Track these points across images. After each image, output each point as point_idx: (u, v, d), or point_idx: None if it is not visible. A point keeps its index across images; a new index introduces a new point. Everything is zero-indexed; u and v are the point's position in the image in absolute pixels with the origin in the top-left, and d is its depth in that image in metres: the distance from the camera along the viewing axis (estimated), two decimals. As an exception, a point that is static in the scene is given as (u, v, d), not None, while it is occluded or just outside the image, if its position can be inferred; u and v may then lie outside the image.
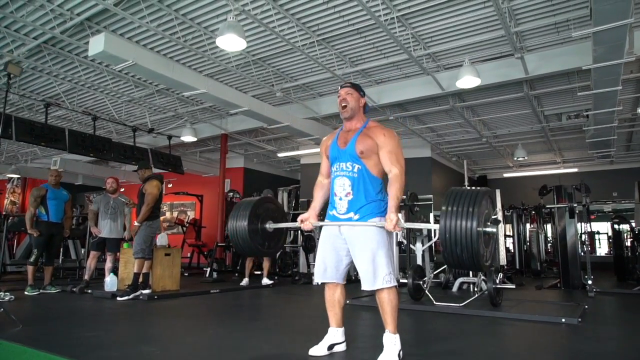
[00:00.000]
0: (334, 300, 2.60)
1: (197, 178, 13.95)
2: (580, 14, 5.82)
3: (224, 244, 8.86)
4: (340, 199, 2.51)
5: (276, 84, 8.10)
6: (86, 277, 5.93)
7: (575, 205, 6.33)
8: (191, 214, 14.14)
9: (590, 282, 5.95)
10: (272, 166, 15.09)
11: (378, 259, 2.41)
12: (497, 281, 4.39)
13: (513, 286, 4.41)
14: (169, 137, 10.46)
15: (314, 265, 8.83)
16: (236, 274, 8.71)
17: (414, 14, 5.95)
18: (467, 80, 6.51)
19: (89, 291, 5.63)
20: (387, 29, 5.79)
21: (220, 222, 10.09)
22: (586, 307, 4.45)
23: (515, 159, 11.89)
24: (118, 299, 5.06)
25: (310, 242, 8.75)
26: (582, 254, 6.74)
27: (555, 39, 6.60)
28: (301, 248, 8.82)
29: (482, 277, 5.62)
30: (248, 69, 7.54)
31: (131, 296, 5.08)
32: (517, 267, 9.48)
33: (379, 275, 2.40)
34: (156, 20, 5.91)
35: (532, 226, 10.25)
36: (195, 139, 9.87)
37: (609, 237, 13.64)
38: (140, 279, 5.26)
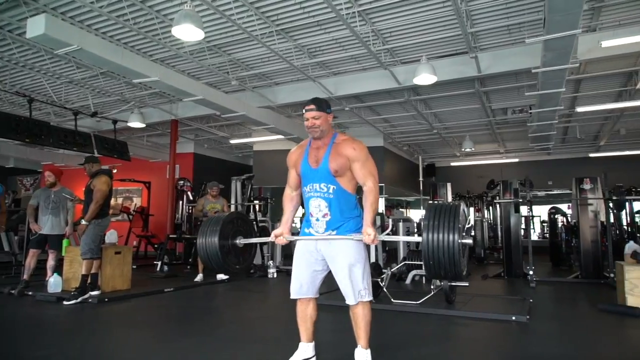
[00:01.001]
0: (306, 315, 2.59)
1: (144, 163, 13.35)
2: (532, 18, 6.06)
3: (175, 236, 8.58)
4: (318, 220, 2.48)
5: (232, 72, 7.83)
6: (25, 277, 5.53)
7: (520, 200, 6.70)
8: (137, 201, 13.56)
9: (531, 272, 6.34)
10: (223, 152, 14.73)
11: (355, 274, 2.43)
12: (452, 279, 4.57)
13: (467, 284, 4.61)
14: (114, 122, 9.84)
15: (268, 256, 8.79)
16: (188, 267, 8.50)
17: (374, 10, 5.93)
18: (424, 78, 6.62)
19: (30, 293, 5.27)
20: (347, 24, 5.73)
21: (170, 211, 9.77)
22: (531, 300, 4.76)
23: (463, 149, 12.36)
24: (65, 303, 4.75)
25: (264, 233, 8.67)
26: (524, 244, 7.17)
27: (506, 40, 6.86)
28: (256, 239, 8.72)
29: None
30: (202, 56, 7.22)
31: (79, 299, 4.79)
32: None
33: (357, 289, 2.43)
34: (102, 0, 5.48)
35: (477, 214, 10.76)
36: (143, 125, 9.40)
37: (542, 222, 14.66)
38: (89, 280, 4.99)
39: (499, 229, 12.08)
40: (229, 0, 5.53)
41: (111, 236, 5.73)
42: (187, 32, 4.92)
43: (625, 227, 9.46)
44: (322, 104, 2.50)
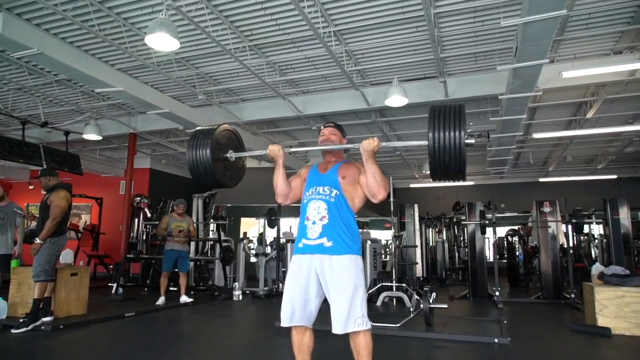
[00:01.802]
0: (302, 345, 2.41)
1: (96, 178, 12.61)
2: (498, 47, 6.34)
3: (132, 256, 8.07)
4: (314, 222, 2.38)
5: (199, 86, 7.60)
6: (-36, 301, 4.94)
7: (486, 222, 6.88)
8: (86, 218, 12.74)
9: (497, 293, 6.47)
10: (181, 168, 14.21)
11: (355, 300, 2.27)
12: (432, 300, 4.55)
13: (445, 306, 4.60)
14: (67, 133, 9.27)
15: (231, 277, 8.47)
16: (145, 289, 8.00)
17: (350, 30, 5.99)
18: (396, 99, 6.72)
19: (-31, 320, 4.70)
20: (324, 43, 5.72)
21: (125, 229, 9.21)
22: (505, 322, 4.82)
23: (423, 171, 12.65)
24: (13, 331, 4.25)
25: (228, 253, 8.36)
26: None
27: (472, 67, 7.12)
28: (218, 260, 8.38)
29: (409, 293, 5.82)
30: (170, 68, 6.95)
31: (30, 327, 4.32)
32: (424, 274, 10.05)
33: (353, 317, 2.25)
34: (67, 4, 5.15)
35: (438, 236, 10.96)
36: (99, 138, 8.88)
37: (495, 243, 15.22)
38: (41, 305, 4.52)
39: (458, 251, 12.48)
40: (203, 12, 5.39)
41: (67, 256, 5.27)
42: (161, 42, 4.70)
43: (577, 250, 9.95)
44: (340, 127, 2.68)
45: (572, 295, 6.22)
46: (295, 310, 2.35)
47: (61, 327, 4.46)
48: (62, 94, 8.13)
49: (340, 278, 2.29)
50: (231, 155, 2.71)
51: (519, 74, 5.42)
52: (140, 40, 5.98)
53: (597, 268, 4.76)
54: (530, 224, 12.73)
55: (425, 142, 2.25)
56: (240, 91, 8.26)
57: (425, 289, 4.77)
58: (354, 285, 2.28)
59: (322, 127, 2.64)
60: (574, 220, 6.62)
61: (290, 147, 2.61)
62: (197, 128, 2.73)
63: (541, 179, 14.53)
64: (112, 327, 4.82)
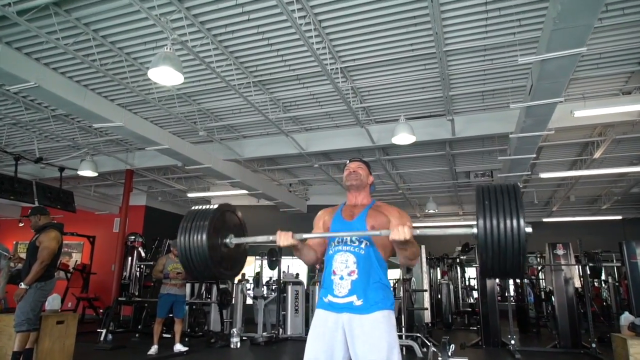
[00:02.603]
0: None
1: (89, 216, 12.24)
2: (506, 86, 6.26)
3: (124, 299, 7.62)
4: (342, 278, 2.09)
5: (200, 121, 7.43)
6: (-63, 352, 4.50)
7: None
8: (77, 257, 12.26)
9: (513, 342, 6.07)
10: (177, 206, 13.89)
11: None
12: (450, 353, 4.17)
13: (466, 359, 4.21)
14: (61, 169, 8.99)
15: (228, 322, 7.99)
16: (137, 334, 7.49)
17: (356, 67, 5.90)
18: (403, 137, 6.55)
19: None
20: (332, 79, 5.59)
21: (118, 270, 8.78)
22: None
23: (426, 210, 12.39)
24: (-12, 389, 3.84)
25: (226, 296, 7.93)
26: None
27: (479, 106, 7.02)
28: (214, 304, 7.94)
29: (419, 341, 5.43)
30: (171, 103, 6.80)
31: (7, 383, 3.90)
32: (431, 319, 9.58)
33: None
34: (68, 38, 5.01)
35: (443, 277, 10.56)
36: (95, 174, 8.60)
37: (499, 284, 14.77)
38: (21, 358, 4.09)
39: (463, 293, 12.05)
40: (208, 48, 5.27)
41: (54, 301, 4.87)
42: (165, 76, 4.53)
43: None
44: (367, 162, 2.44)
45: (594, 345, 5.83)
46: None
47: (42, 384, 4.03)
48: (58, 129, 7.92)
49: (372, 339, 1.99)
50: (231, 241, 2.25)
51: (532, 113, 5.27)
52: (142, 75, 5.84)
53: (626, 318, 4.43)
54: (535, 265, 12.43)
55: (470, 230, 1.86)
56: (241, 128, 8.10)
57: (443, 339, 4.40)
58: (388, 345, 1.98)
59: (347, 161, 2.41)
60: (590, 264, 6.31)
61: (303, 235, 2.10)
62: (193, 208, 2.29)
63: (545, 219, 14.29)
64: (99, 382, 4.38)
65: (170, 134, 7.39)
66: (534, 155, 6.96)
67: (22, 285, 4.11)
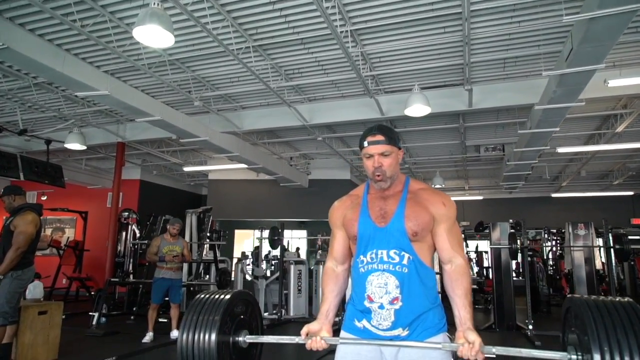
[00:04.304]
0: None
1: (81, 190, 11.75)
2: (532, 52, 5.68)
3: (117, 280, 7.21)
4: (382, 306, 1.59)
5: (195, 91, 6.83)
6: None
7: (518, 247, 6.13)
8: (70, 233, 11.84)
9: (531, 327, 5.72)
10: (173, 179, 13.39)
11: None
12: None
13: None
14: (48, 142, 8.43)
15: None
16: (132, 317, 7.13)
17: (368, 30, 5.30)
18: (417, 109, 5.99)
19: None
20: (342, 44, 4.99)
21: (111, 249, 8.35)
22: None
23: (432, 185, 11.92)
24: (-41, 392, 3.43)
25: (225, 276, 7.54)
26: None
27: (499, 75, 6.46)
28: (213, 285, 7.55)
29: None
30: (163, 71, 6.19)
31: (-18, 385, 3.49)
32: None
33: None
34: (43, -6, 4.39)
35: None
36: (83, 147, 8.05)
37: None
38: (-1, 354, 3.69)
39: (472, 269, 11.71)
40: (202, 7, 4.66)
41: (35, 290, 4.42)
42: (153, 36, 3.95)
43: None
44: (392, 134, 1.67)
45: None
46: None
47: (22, 384, 3.63)
48: (41, 99, 7.32)
49: None
50: (245, 339, 1.76)
51: (566, 81, 4.72)
52: (129, 37, 5.22)
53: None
54: (539, 239, 12.09)
55: (566, 355, 1.44)
56: (240, 97, 7.51)
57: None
58: None
59: (365, 142, 1.66)
60: (617, 246, 5.89)
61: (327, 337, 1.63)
62: (200, 295, 1.78)
63: (553, 195, 13.89)
64: (87, 379, 3.99)
65: (163, 104, 6.81)
66: (558, 129, 6.44)
67: (-4, 275, 3.64)
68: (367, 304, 1.61)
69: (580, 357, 1.40)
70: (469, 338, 1.49)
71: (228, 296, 1.74)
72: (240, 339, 1.75)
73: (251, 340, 1.77)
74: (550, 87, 5.13)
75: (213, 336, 1.64)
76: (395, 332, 1.58)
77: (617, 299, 1.40)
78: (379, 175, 1.64)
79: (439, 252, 1.66)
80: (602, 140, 8.75)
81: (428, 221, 1.62)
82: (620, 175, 12.03)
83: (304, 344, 1.65)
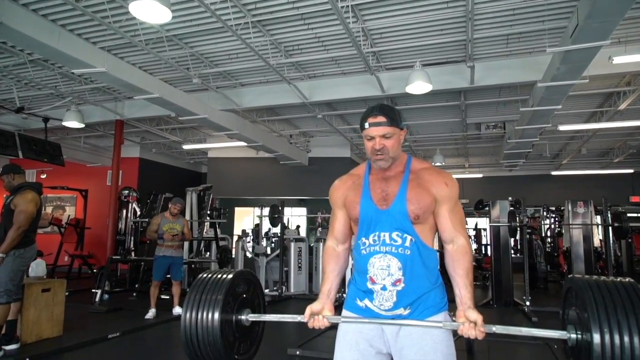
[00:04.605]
0: None
1: (80, 168, 11.73)
2: (536, 28, 5.57)
3: (119, 257, 7.27)
4: (384, 288, 1.59)
5: (193, 68, 6.73)
6: None
7: (517, 225, 6.16)
8: (70, 211, 11.87)
9: (528, 303, 5.80)
10: (173, 157, 13.35)
11: None
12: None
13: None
14: (45, 120, 8.38)
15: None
16: (134, 293, 7.22)
17: (370, 5, 5.17)
18: (418, 86, 5.92)
19: None
20: (343, 19, 4.89)
21: (112, 227, 8.39)
22: (555, 346, 4.15)
23: (433, 164, 11.90)
24: (-34, 367, 3.50)
25: (225, 254, 7.60)
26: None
27: (501, 51, 6.35)
28: (214, 262, 7.61)
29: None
30: (160, 47, 6.08)
31: (-12, 360, 3.56)
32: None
33: None
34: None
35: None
36: (82, 125, 7.99)
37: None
38: (3, 331, 3.74)
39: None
40: (200, -20, 4.54)
41: (38, 267, 4.46)
42: (149, 11, 3.86)
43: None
44: (394, 115, 1.63)
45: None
46: None
47: (27, 359, 3.68)
48: (37, 76, 7.21)
49: (422, 350, 1.57)
50: (247, 318, 1.78)
51: (570, 58, 4.65)
52: (125, 13, 5.09)
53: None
54: (537, 217, 12.17)
55: (565, 334, 1.47)
56: (239, 75, 7.41)
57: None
58: (443, 356, 1.57)
59: (366, 123, 1.62)
60: (616, 224, 5.92)
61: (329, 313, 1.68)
62: (203, 275, 1.79)
63: (553, 172, 13.88)
64: (92, 355, 4.05)
65: (161, 81, 6.72)
66: (560, 107, 6.39)
67: (-2, 254, 3.66)
68: (369, 285, 1.61)
69: (579, 336, 1.41)
70: (470, 317, 1.51)
71: (230, 276, 1.75)
72: (243, 317, 1.76)
73: (254, 319, 1.79)
74: (554, 64, 5.05)
75: (216, 315, 1.65)
76: (397, 312, 1.59)
77: (619, 279, 1.40)
78: (382, 158, 1.62)
79: (441, 233, 1.66)
80: (604, 118, 8.69)
81: (430, 203, 1.61)
82: (621, 153, 12.00)
83: (305, 322, 1.67)
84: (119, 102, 8.60)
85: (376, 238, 1.61)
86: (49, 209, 11.91)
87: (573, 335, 1.43)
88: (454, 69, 6.66)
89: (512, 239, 7.20)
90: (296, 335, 4.73)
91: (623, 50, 5.48)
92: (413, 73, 5.89)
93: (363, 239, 1.64)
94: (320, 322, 1.65)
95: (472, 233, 12.39)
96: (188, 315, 1.69)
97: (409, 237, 1.59)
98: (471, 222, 12.42)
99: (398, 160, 1.69)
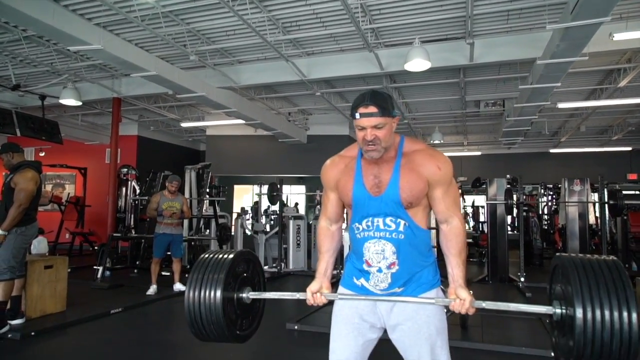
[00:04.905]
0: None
1: (79, 146, 11.72)
2: (537, 3, 5.49)
3: (119, 235, 7.35)
4: (380, 270, 1.64)
5: (190, 44, 6.66)
6: None
7: (514, 202, 6.22)
8: (70, 189, 11.91)
9: (523, 279, 5.91)
10: (171, 135, 13.32)
11: (439, 353, 1.64)
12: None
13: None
14: (42, 97, 8.33)
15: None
16: (135, 270, 7.33)
17: (368, -20, 5.10)
18: (417, 64, 5.88)
19: None
20: (341, -6, 4.82)
21: (112, 204, 8.44)
22: (547, 321, 4.25)
23: (431, 141, 11.90)
24: (-27, 341, 3.59)
25: (225, 231, 7.68)
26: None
27: (501, 28, 6.27)
28: (214, 240, 7.70)
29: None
30: (156, 24, 6.00)
31: (-5, 334, 3.65)
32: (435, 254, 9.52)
33: None
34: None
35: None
36: (79, 103, 7.95)
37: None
38: (8, 307, 3.82)
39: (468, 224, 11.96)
40: (195, -46, 4.46)
41: (40, 245, 4.53)
42: (145, -12, 3.80)
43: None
44: (386, 104, 1.56)
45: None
46: None
47: (32, 333, 3.77)
48: (33, 53, 7.13)
49: (417, 324, 1.64)
50: (248, 296, 1.83)
51: (570, 35, 4.61)
52: (120, -12, 5.04)
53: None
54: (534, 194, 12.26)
55: (551, 309, 1.52)
56: (237, 52, 7.33)
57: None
58: (437, 330, 1.64)
59: (356, 113, 1.57)
60: (611, 202, 5.98)
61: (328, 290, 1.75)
62: (205, 255, 1.83)
63: (552, 150, 13.89)
64: (95, 329, 4.15)
65: (158, 58, 6.66)
66: (559, 84, 6.36)
67: (0, 232, 3.71)
68: (365, 267, 1.66)
69: (564, 311, 1.47)
70: (460, 295, 1.56)
71: (231, 256, 1.79)
72: (244, 295, 1.81)
73: (254, 297, 1.84)
74: (554, 41, 5.01)
75: (218, 293, 1.69)
76: (392, 291, 1.65)
77: (603, 258, 1.45)
78: (373, 149, 1.59)
79: (435, 214, 1.69)
80: (604, 95, 8.65)
81: (422, 189, 1.62)
82: (620, 131, 11.99)
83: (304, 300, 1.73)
84: (116, 80, 8.54)
85: (370, 223, 1.64)
86: (48, 187, 11.96)
87: (558, 311, 1.49)
88: (454, 46, 6.59)
89: (510, 217, 7.29)
90: (295, 310, 4.84)
91: (624, 26, 5.41)
92: (412, 50, 5.84)
93: (357, 224, 1.67)
94: (318, 299, 1.71)
95: (470, 211, 12.50)
96: (191, 293, 1.73)
97: (402, 222, 1.61)
98: (469, 199, 12.49)
99: (391, 150, 1.66)
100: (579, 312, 1.33)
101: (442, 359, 1.63)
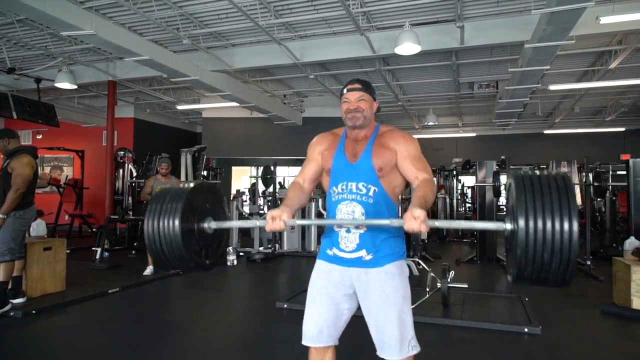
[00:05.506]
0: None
1: (76, 129, 11.79)
2: (526, -13, 5.54)
3: (117, 217, 7.51)
4: (349, 231, 1.85)
5: (183, 28, 6.69)
6: None
7: (502, 184, 6.37)
8: (68, 171, 12.04)
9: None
10: (167, 117, 13.37)
11: (405, 317, 1.81)
12: (450, 279, 4.12)
13: (466, 285, 4.17)
14: (38, 81, 8.38)
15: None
16: (133, 251, 7.52)
17: (358, -36, 5.12)
18: (407, 47, 5.94)
19: None
20: (330, -21, 4.86)
21: (109, 187, 8.58)
22: (527, 299, 4.44)
23: (426, 123, 11.98)
24: (-23, 319, 3.77)
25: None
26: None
27: (492, 11, 6.30)
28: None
29: (416, 261, 5.40)
30: (148, 7, 6.03)
31: (-3, 313, 3.83)
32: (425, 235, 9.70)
33: (406, 339, 1.81)
34: None
35: (439, 192, 10.49)
36: (74, 87, 8.00)
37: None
38: (9, 287, 4.00)
39: (461, 206, 12.18)
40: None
41: (39, 227, 4.68)
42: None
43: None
44: (368, 86, 1.94)
45: (589, 263, 5.85)
46: (323, 330, 1.88)
47: (33, 312, 3.95)
48: (26, 36, 7.16)
49: (385, 292, 1.81)
50: (210, 225, 1.92)
51: (556, 19, 4.67)
52: (110, -28, 5.07)
53: (631, 243, 4.31)
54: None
55: (502, 225, 1.56)
56: (230, 35, 7.36)
57: (443, 266, 4.34)
58: (403, 298, 1.82)
59: (344, 89, 1.92)
60: (595, 184, 6.11)
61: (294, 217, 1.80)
62: (164, 187, 1.93)
63: (546, 131, 13.97)
64: (93, 308, 4.33)
65: (151, 42, 6.71)
66: (548, 67, 6.42)
67: (0, 215, 3.86)
68: (336, 229, 1.87)
69: (512, 226, 1.50)
70: (414, 213, 1.58)
71: (191, 185, 1.91)
72: (205, 225, 1.90)
73: (216, 227, 1.93)
74: (541, 24, 5.07)
75: (177, 222, 1.75)
76: (360, 254, 1.82)
77: (552, 173, 1.52)
78: (355, 116, 1.85)
79: (407, 178, 1.84)
80: (596, 77, 8.71)
81: (390, 156, 1.84)
82: (613, 112, 12.06)
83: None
84: (111, 63, 8.56)
85: (344, 187, 1.85)
86: (47, 169, 12.07)
87: (509, 226, 1.53)
88: (444, 29, 6.62)
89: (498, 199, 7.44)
90: (285, 290, 5.03)
91: (611, 10, 5.46)
92: (402, 34, 5.88)
93: (334, 187, 1.89)
94: (277, 224, 1.76)
95: (468, 191, 12.70)
96: (150, 224, 1.79)
97: (372, 188, 1.82)
98: (468, 181, 12.67)
99: (368, 128, 1.92)
100: (521, 224, 1.39)
101: (407, 323, 1.81)
